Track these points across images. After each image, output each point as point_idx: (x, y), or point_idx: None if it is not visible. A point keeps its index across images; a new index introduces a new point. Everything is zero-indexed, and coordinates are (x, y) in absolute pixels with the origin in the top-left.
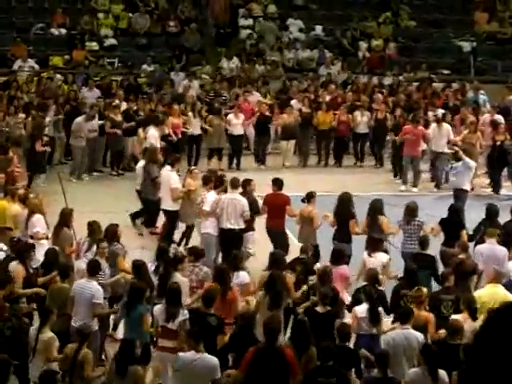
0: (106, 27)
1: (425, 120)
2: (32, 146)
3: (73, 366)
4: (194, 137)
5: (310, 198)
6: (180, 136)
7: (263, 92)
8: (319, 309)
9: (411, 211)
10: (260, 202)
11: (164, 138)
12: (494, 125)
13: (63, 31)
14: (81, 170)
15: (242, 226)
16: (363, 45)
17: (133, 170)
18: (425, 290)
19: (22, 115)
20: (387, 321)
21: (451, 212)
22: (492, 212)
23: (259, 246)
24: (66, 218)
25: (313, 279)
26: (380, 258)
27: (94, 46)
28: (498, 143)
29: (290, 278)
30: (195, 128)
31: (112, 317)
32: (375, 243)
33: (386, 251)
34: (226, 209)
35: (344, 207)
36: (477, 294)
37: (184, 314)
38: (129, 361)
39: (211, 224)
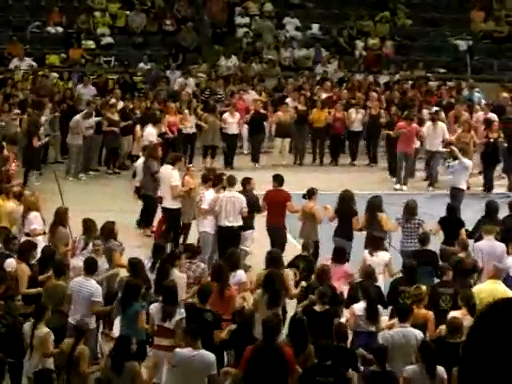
0: (102, 26)
1: (419, 118)
2: (29, 142)
3: (69, 362)
4: (189, 135)
5: (311, 194)
6: (176, 134)
7: (259, 90)
8: (317, 307)
9: (411, 210)
10: (260, 200)
11: (160, 135)
12: (488, 123)
13: (60, 30)
14: (77, 169)
15: (240, 223)
16: (360, 43)
17: (128, 168)
18: (424, 287)
19: (16, 111)
20: (384, 319)
21: (450, 210)
22: (492, 209)
23: (258, 243)
24: (61, 217)
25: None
26: (382, 257)
27: (91, 44)
28: (492, 140)
29: (288, 275)
30: (191, 126)
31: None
32: (376, 242)
33: (385, 250)
34: (224, 207)
35: (346, 205)
36: (476, 289)
37: (181, 313)
38: (124, 357)
39: (209, 223)
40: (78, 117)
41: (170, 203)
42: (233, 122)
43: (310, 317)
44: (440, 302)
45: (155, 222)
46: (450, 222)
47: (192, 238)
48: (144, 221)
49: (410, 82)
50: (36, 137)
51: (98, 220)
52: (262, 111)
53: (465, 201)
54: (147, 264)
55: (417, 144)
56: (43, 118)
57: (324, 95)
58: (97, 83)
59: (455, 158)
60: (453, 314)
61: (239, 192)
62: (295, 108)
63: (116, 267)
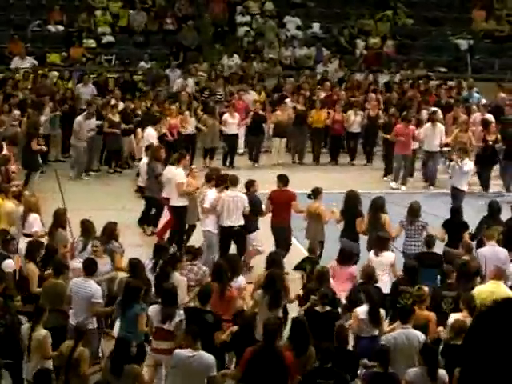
0: (103, 24)
1: (417, 119)
2: (28, 144)
3: (68, 363)
4: (190, 136)
5: (316, 194)
6: (176, 136)
7: (258, 89)
8: (319, 309)
9: (414, 211)
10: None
11: (161, 137)
12: (485, 124)
13: (60, 28)
14: (80, 170)
15: (242, 222)
16: (360, 43)
17: (130, 167)
18: (426, 288)
19: (16, 112)
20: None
21: (453, 213)
22: (494, 209)
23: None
24: (60, 218)
25: None
26: (387, 257)
27: (92, 43)
28: (490, 143)
29: (288, 278)
30: (191, 127)
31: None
32: (382, 242)
33: (391, 250)
34: (226, 207)
35: (351, 205)
36: (477, 290)
37: (180, 315)
38: (124, 360)
39: (211, 221)
40: (79, 118)
41: (176, 201)
42: (233, 123)
43: (312, 318)
44: (442, 304)
45: (160, 224)
46: (454, 225)
47: (193, 240)
48: (146, 221)
49: (410, 81)
50: (35, 139)
51: (99, 219)
52: (261, 113)
53: (464, 201)
54: (148, 265)
55: (415, 145)
56: (43, 118)
57: (323, 95)
58: (97, 82)
59: (451, 160)
60: (454, 316)
61: (244, 194)
62: (294, 108)
63: (115, 270)
